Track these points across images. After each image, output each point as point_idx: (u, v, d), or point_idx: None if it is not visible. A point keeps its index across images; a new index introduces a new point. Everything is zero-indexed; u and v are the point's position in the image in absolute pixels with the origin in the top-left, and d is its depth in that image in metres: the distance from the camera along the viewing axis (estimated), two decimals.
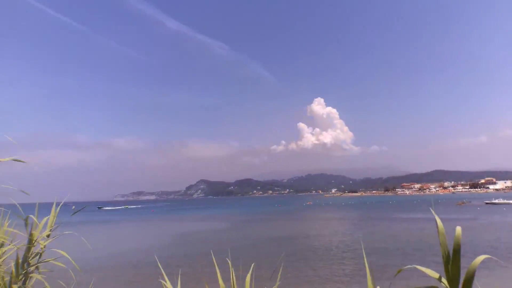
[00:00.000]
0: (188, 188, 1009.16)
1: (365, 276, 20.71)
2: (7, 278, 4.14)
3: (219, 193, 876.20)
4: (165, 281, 2.84)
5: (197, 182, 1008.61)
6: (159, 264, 3.17)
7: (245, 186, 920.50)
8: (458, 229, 2.36)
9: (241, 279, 3.01)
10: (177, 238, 44.27)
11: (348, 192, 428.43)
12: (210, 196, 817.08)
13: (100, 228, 64.26)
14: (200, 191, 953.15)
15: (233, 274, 2.85)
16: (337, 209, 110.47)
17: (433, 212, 2.55)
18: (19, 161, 3.42)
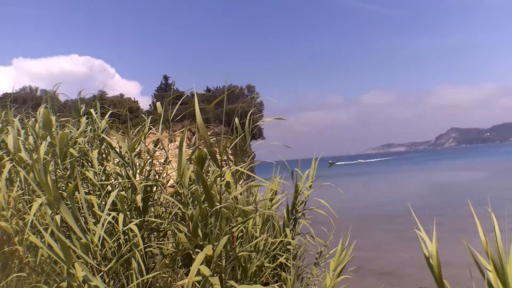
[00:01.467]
0: (438, 137, 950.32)
1: None
2: (281, 222, 4.90)
3: (472, 140, 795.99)
4: (420, 231, 2.86)
5: (448, 130, 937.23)
6: (413, 213, 3.19)
7: (504, 131, 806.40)
8: None
9: (508, 232, 2.80)
10: (429, 188, 42.55)
11: None
12: (463, 145, 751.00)
13: (353, 180, 67.00)
14: (451, 140, 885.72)
15: (496, 226, 2.66)
16: None
17: None
18: (280, 119, 3.92)
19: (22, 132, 4.13)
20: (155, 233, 3.70)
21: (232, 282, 2.85)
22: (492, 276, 2.55)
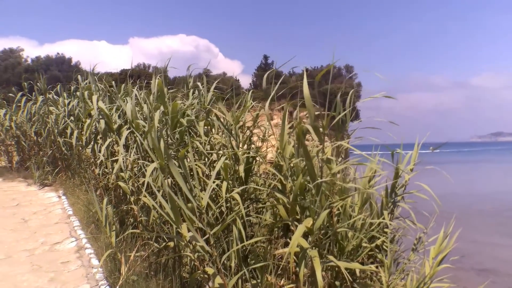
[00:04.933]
0: None
1: None
2: (378, 205, 4.77)
3: None
4: None
5: None
6: None
7: None
8: None
9: None
10: None
11: None
12: None
13: (457, 168, 63.08)
14: None
15: None
16: None
17: None
18: (389, 97, 3.81)
19: (141, 101, 4.46)
20: (254, 203, 3.82)
21: (331, 257, 2.86)
22: None
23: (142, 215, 3.80)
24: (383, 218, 4.33)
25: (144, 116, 4.19)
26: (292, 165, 3.31)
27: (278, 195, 3.17)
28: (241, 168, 3.44)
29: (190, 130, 4.17)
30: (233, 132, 3.75)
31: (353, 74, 37.75)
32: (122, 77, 12.37)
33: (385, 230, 4.47)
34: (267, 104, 3.51)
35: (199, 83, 4.54)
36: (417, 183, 4.94)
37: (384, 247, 4.24)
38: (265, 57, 50.65)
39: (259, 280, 3.14)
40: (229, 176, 3.47)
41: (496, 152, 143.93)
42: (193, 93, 4.92)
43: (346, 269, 3.03)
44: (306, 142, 4.09)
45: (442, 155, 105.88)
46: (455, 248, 4.89)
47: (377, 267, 4.06)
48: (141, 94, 4.96)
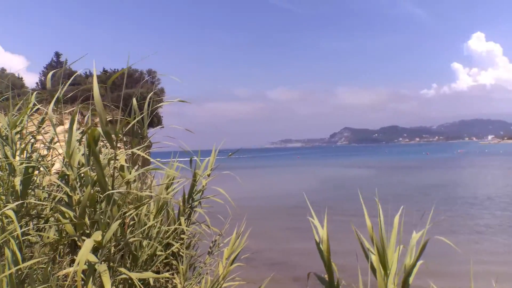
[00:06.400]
0: (332, 135, 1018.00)
1: None
2: (176, 211, 4.77)
3: (363, 140, 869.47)
4: (313, 218, 2.98)
5: (341, 129, 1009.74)
6: (307, 201, 3.31)
7: (391, 133, 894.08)
8: None
9: (388, 224, 3.02)
10: (323, 183, 45.34)
11: (508, 139, 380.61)
12: (354, 144, 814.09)
13: (252, 172, 68.68)
14: (343, 138, 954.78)
15: (380, 210, 2.88)
16: (493, 157, 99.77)
17: None
18: (184, 101, 3.83)
19: None
20: (35, 219, 3.36)
21: (122, 269, 2.69)
22: (374, 258, 2.75)
23: None
24: (180, 224, 4.35)
25: None
26: (82, 175, 3.02)
27: (63, 208, 2.85)
28: (17, 179, 2.98)
29: None
30: (6, 138, 3.24)
31: (155, 79, 37.29)
32: None
33: (182, 236, 4.50)
34: (50, 107, 3.13)
35: None
36: (214, 188, 5.14)
37: (180, 253, 4.26)
38: (57, 54, 44.01)
39: None
40: (0, 189, 2.98)
41: (285, 156, 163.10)
42: None
43: (140, 279, 2.91)
44: (107, 151, 3.84)
45: (240, 161, 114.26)
46: (250, 247, 5.24)
47: (173, 274, 4.05)
48: None
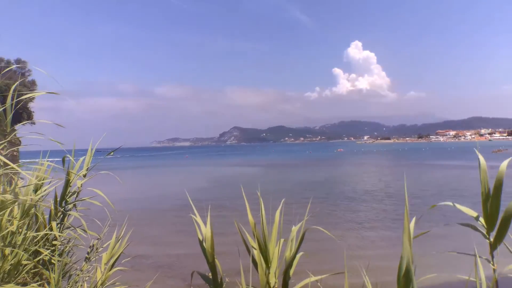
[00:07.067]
0: (222, 135, 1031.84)
1: (394, 220, 21.02)
2: (46, 216, 4.33)
3: (251, 139, 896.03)
4: (195, 215, 2.92)
5: (231, 129, 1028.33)
6: (190, 201, 3.23)
7: (278, 133, 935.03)
8: (504, 164, 2.24)
9: (271, 216, 3.07)
10: (209, 182, 45.61)
11: (381, 139, 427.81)
12: (243, 143, 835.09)
13: (136, 172, 66.57)
14: (233, 137, 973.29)
15: (263, 206, 2.91)
16: (368, 155, 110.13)
17: (476, 151, 2.41)
18: (53, 93, 3.45)
19: None
20: None
21: None
22: (256, 253, 2.76)
23: None
24: (51, 229, 3.96)
25: None
26: None
27: None
28: None
29: None
30: None
31: (26, 70, 33.31)
32: None
33: (54, 242, 4.11)
34: None
35: None
36: (90, 189, 4.77)
37: (52, 261, 3.88)
38: None
39: None
40: None
41: (173, 156, 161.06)
42: None
43: None
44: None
45: (123, 160, 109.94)
46: (133, 251, 4.97)
47: (43, 284, 3.68)
48: None
